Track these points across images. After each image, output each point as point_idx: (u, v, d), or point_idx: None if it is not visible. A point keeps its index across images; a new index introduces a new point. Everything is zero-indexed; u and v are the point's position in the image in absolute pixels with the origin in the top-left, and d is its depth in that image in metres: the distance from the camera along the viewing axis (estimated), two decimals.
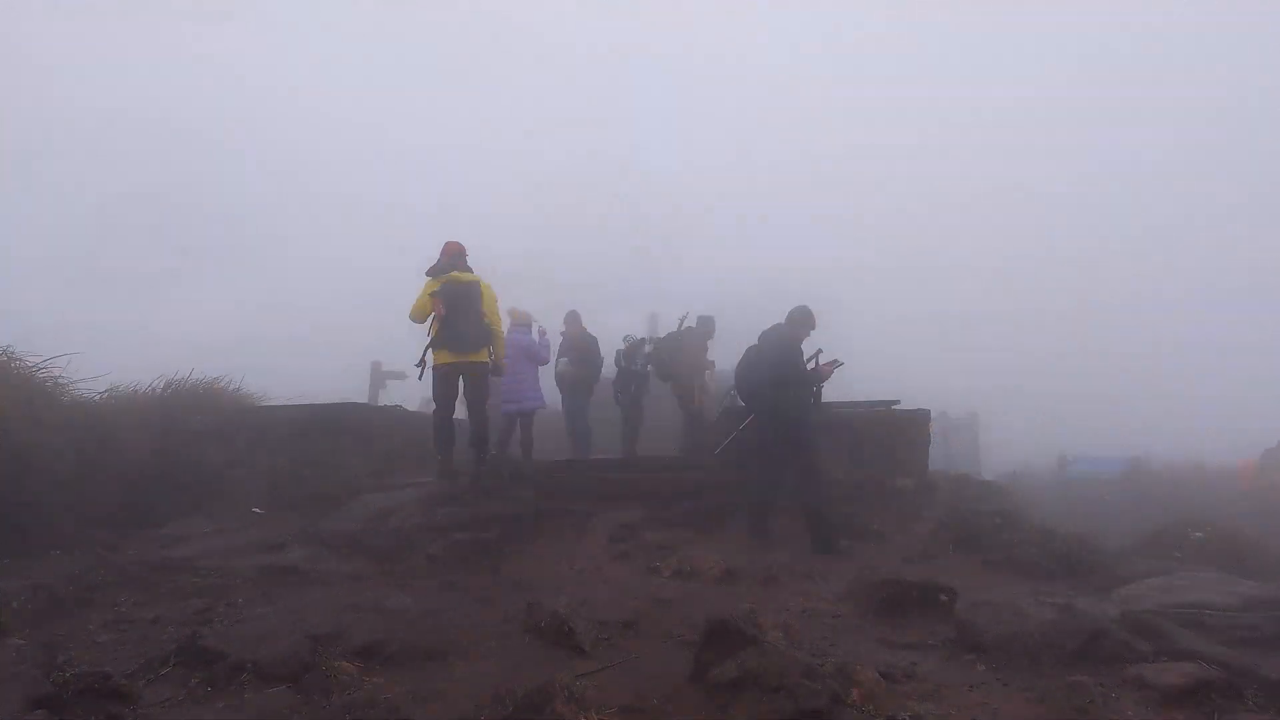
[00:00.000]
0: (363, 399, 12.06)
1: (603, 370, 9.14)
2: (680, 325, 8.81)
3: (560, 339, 8.96)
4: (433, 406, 6.32)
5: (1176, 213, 45.94)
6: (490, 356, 6.20)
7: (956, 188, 55.07)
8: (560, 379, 8.93)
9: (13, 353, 5.70)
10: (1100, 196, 50.74)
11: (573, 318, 8.97)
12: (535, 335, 8.51)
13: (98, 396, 6.66)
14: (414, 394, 12.54)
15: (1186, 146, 48.01)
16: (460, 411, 6.51)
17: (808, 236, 53.62)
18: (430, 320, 6.08)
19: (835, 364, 6.07)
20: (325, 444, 7.10)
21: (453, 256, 6.19)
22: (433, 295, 5.99)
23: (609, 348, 9.12)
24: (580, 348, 8.75)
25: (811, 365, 5.99)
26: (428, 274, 6.17)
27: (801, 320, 6.06)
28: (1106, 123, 54.31)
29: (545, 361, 8.49)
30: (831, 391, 6.46)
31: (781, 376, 5.71)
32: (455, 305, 5.93)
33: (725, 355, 9.50)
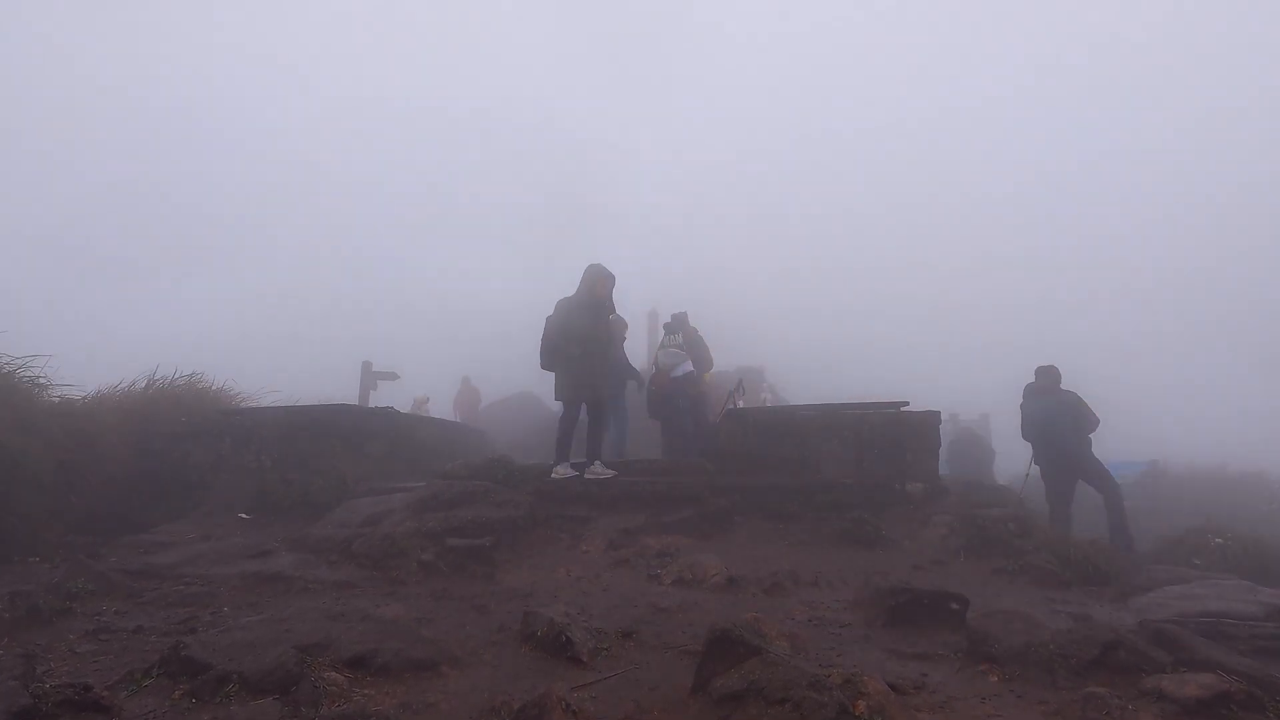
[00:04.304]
0: (353, 400, 11.96)
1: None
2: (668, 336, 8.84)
3: None
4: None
5: (1189, 210, 45.84)
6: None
7: (963, 184, 55.08)
8: None
9: None
10: (1113, 189, 50.68)
11: None
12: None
13: (80, 397, 6.54)
14: (406, 395, 12.47)
15: (1214, 138, 47.87)
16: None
17: (810, 237, 53.81)
18: None
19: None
20: (314, 447, 7.00)
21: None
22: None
23: None
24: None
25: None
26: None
27: (1076, 405, 7.54)
28: (1118, 110, 54.22)
29: None
30: (839, 393, 6.39)
31: (1085, 437, 7.38)
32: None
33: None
